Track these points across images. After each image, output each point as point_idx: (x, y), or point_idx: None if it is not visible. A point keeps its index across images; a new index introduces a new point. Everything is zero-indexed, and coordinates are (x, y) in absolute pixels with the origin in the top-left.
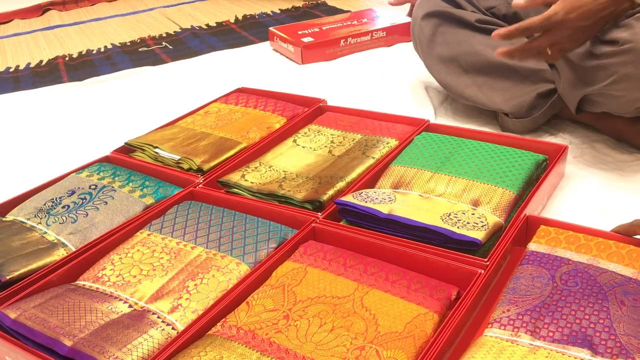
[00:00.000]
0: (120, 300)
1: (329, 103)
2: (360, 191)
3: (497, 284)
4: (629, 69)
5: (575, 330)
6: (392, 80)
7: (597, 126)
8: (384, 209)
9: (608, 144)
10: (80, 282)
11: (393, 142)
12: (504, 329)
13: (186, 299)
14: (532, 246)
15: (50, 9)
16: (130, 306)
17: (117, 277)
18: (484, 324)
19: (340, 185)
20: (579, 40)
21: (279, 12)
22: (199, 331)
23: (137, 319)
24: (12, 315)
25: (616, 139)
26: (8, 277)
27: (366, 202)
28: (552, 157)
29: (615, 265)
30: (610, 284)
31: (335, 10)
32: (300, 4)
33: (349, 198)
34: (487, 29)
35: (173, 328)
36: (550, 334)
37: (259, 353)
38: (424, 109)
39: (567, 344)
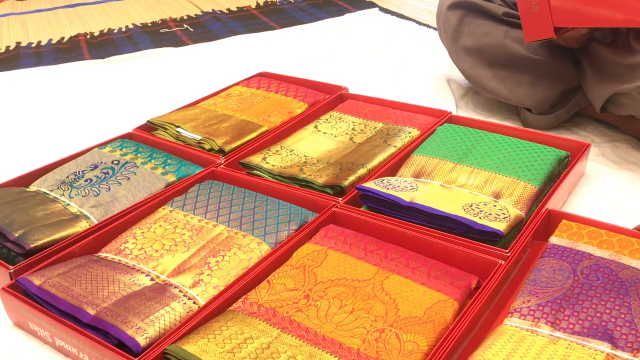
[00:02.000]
0: (143, 273)
1: (350, 91)
2: (382, 178)
3: (515, 276)
4: None
5: (595, 324)
6: (414, 72)
7: (620, 126)
8: (405, 196)
9: (631, 144)
10: (102, 254)
11: (415, 132)
12: (524, 319)
13: (207, 274)
14: (554, 239)
15: None
16: (152, 279)
17: (139, 250)
18: (502, 315)
19: (362, 171)
20: None
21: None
22: (220, 306)
23: (159, 291)
24: (37, 282)
25: (639, 140)
26: (32, 246)
27: (388, 189)
28: (574, 154)
29: (638, 262)
30: (632, 280)
31: (357, 0)
32: None
33: (370, 184)
34: (513, 23)
35: (194, 302)
36: (571, 325)
37: (279, 330)
38: (446, 102)
39: (587, 337)
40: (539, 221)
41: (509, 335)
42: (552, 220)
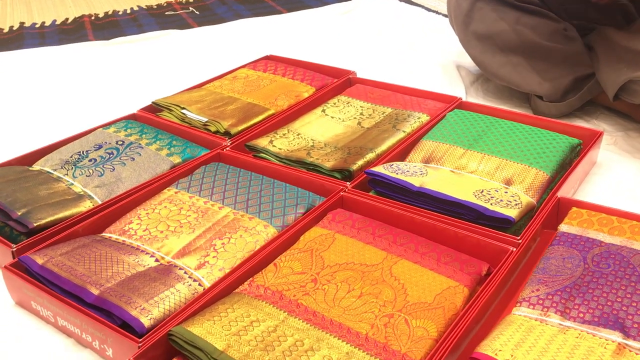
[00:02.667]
0: (147, 253)
1: (358, 76)
2: (391, 163)
3: (525, 265)
4: None
5: (606, 312)
6: (423, 58)
7: (632, 114)
8: (415, 181)
9: None
10: (106, 234)
11: (424, 117)
12: (533, 308)
13: (213, 256)
14: (564, 227)
15: None
16: (156, 260)
17: (143, 231)
18: (513, 303)
19: (370, 156)
20: None
21: None
22: (226, 289)
23: (164, 272)
24: (40, 261)
25: None
26: (35, 225)
27: (397, 173)
28: (587, 143)
29: None
30: None
31: None
32: None
33: (380, 169)
34: (526, 8)
35: (200, 284)
36: (581, 315)
37: (286, 313)
38: (455, 88)
39: (598, 326)
40: (549, 209)
41: (517, 324)
42: (562, 209)
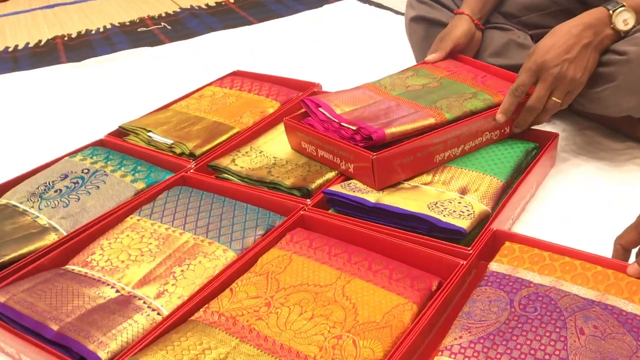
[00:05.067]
0: (108, 285)
1: (324, 86)
2: (349, 181)
3: (460, 298)
4: (619, 81)
5: None
6: (391, 62)
7: (589, 116)
8: (371, 198)
9: (600, 132)
10: (69, 267)
11: None
12: (455, 358)
13: (172, 284)
14: (493, 266)
15: None
16: (117, 291)
17: (105, 262)
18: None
19: (330, 175)
20: (579, 74)
21: None
22: (183, 316)
23: (123, 304)
24: (1, 299)
25: (609, 128)
26: (0, 262)
27: (354, 191)
28: (543, 145)
29: (579, 288)
30: (572, 309)
31: None
32: None
33: (337, 188)
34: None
35: (158, 313)
36: None
37: (238, 340)
38: None
39: None
40: (484, 243)
41: None
42: (498, 241)
